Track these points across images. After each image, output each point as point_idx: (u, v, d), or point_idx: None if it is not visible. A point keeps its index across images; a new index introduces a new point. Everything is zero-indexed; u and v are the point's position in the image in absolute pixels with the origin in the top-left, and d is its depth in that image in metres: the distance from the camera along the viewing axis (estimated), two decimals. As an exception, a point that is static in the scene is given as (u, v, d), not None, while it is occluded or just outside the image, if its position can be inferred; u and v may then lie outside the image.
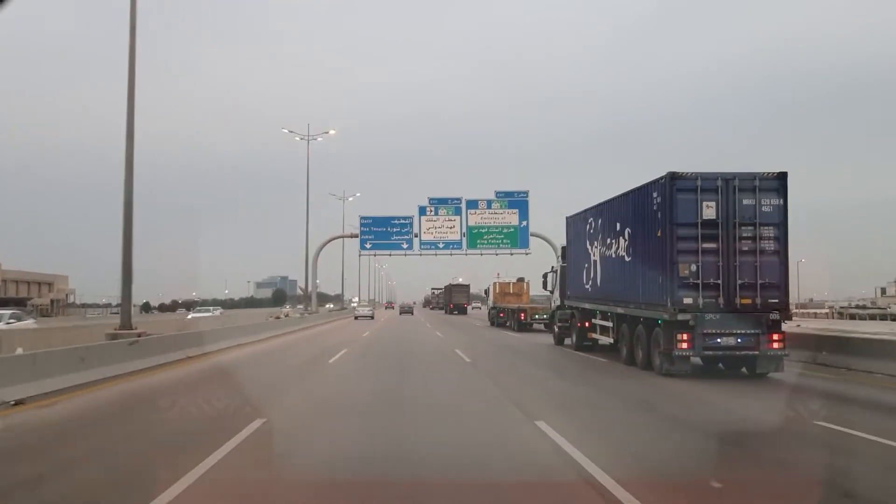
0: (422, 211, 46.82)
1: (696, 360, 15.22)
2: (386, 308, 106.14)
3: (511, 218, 46.47)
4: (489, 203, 46.57)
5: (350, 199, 64.60)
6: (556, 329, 24.26)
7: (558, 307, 24.30)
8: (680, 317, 14.05)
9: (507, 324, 39.79)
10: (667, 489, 6.08)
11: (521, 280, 47.92)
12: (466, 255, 47.32)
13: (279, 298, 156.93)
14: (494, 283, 47.74)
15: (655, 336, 15.12)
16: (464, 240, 46.38)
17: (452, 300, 77.29)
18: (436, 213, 46.77)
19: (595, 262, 19.68)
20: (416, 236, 46.76)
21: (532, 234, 47.05)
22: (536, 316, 35.64)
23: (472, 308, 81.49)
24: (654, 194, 14.95)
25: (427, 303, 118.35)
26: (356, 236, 48.54)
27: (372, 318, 55.98)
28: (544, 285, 26.67)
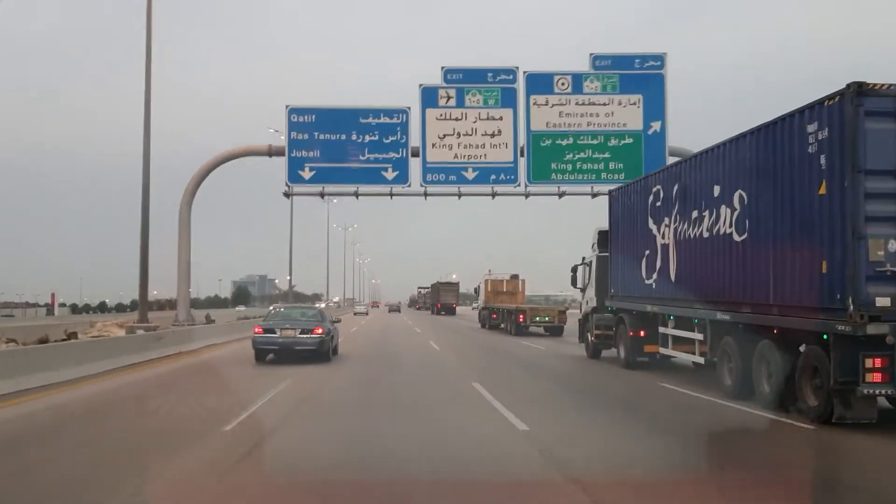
0: (428, 99, 22.85)
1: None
2: (371, 307, 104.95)
3: (627, 115, 22.32)
4: (578, 80, 22.35)
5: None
6: (592, 338, 18.37)
7: (594, 309, 18.42)
8: (871, 329, 8.31)
9: (502, 326, 36.23)
10: None
11: (515, 277, 43.58)
12: (527, 196, 23.47)
13: (240, 298, 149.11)
14: (486, 281, 43.26)
15: (809, 359, 9.35)
16: (521, 163, 22.53)
17: (440, 300, 71.64)
18: (459, 103, 22.50)
19: (665, 246, 13.93)
20: (414, 156, 22.97)
21: (671, 153, 22.73)
22: (537, 318, 31.89)
23: (473, 309, 75.54)
24: (812, 127, 9.18)
25: (413, 303, 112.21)
26: (282, 153, 23.48)
27: (367, 314, 68.72)
28: (573, 282, 20.61)
